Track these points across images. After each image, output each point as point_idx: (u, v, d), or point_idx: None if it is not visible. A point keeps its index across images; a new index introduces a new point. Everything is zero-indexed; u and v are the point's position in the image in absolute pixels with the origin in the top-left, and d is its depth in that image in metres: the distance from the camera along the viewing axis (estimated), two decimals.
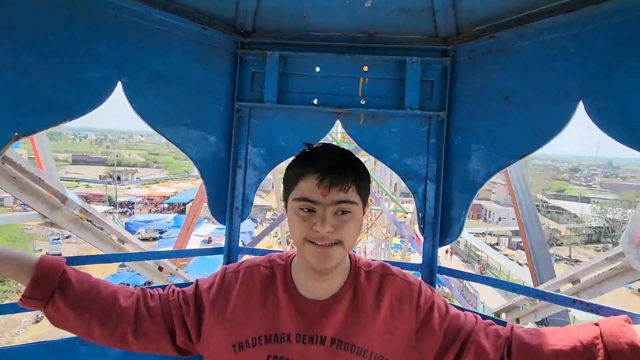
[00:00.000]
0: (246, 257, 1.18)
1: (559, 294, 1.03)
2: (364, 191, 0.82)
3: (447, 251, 26.77)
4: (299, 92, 1.39)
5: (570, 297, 1.02)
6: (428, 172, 1.34)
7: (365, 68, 1.37)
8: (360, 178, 0.80)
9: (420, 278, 1.29)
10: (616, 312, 0.89)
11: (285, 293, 0.87)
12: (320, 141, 1.25)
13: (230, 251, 1.36)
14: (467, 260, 28.76)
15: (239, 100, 1.39)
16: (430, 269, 1.31)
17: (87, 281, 0.87)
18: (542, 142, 1.10)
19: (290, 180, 0.83)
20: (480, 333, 0.84)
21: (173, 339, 0.88)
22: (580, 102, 1.02)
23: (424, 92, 1.34)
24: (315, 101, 1.37)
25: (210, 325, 0.87)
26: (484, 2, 1.16)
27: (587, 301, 0.98)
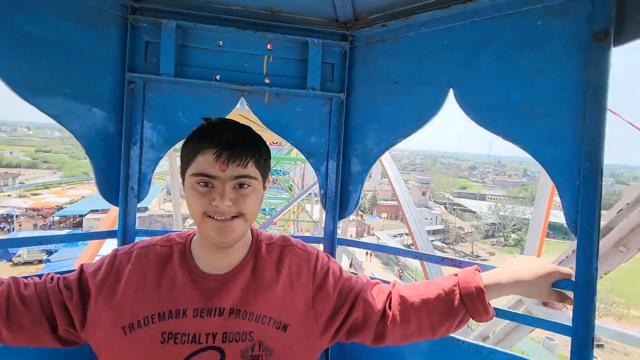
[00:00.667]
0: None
1: (432, 254, 1.22)
2: (263, 166, 0.84)
3: (367, 253, 28.19)
4: (200, 67, 1.33)
5: (440, 255, 1.21)
6: (330, 150, 1.42)
7: (270, 46, 1.37)
8: (259, 153, 0.82)
9: (322, 249, 1.39)
10: (472, 264, 1.08)
11: (183, 270, 0.86)
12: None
13: (126, 233, 1.27)
14: (387, 263, 31.00)
15: (131, 71, 1.28)
16: (331, 240, 1.41)
17: None
18: (422, 123, 1.25)
19: (187, 156, 0.81)
20: (368, 291, 0.95)
21: (54, 329, 0.81)
22: (451, 89, 1.19)
23: (325, 73, 1.40)
24: (217, 77, 1.34)
25: (97, 309, 0.82)
26: None
27: (452, 258, 1.17)
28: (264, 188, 0.89)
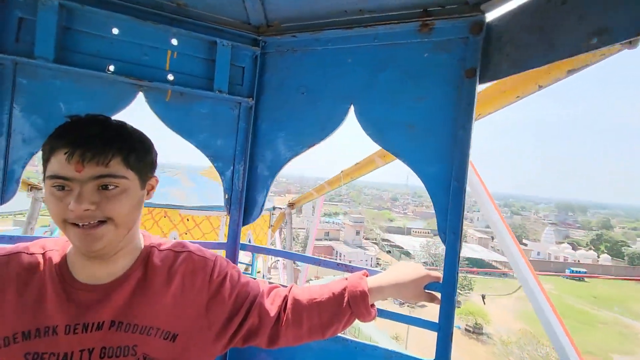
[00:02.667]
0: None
1: (327, 259, 1.30)
2: (136, 164, 0.77)
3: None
4: (90, 54, 1.19)
5: (335, 261, 1.29)
6: (236, 155, 1.40)
7: (175, 41, 1.29)
8: (128, 149, 0.75)
9: (225, 254, 1.36)
10: (362, 269, 1.17)
11: (54, 282, 0.77)
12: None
13: None
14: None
15: None
16: (233, 246, 1.39)
17: None
18: (324, 135, 1.31)
19: (43, 157, 0.73)
20: (265, 296, 0.96)
21: None
22: (352, 105, 1.27)
23: (234, 76, 1.38)
24: (111, 68, 1.21)
25: None
26: (286, 1, 1.26)
27: (345, 263, 1.26)
28: (147, 188, 0.83)
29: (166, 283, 0.85)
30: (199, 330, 0.87)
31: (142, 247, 0.87)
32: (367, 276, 1.06)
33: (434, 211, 1.13)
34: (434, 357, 1.10)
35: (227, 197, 1.40)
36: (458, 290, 1.10)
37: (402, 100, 1.19)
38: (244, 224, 1.40)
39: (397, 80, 1.20)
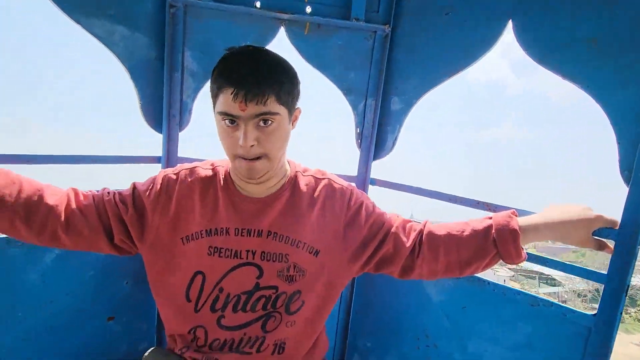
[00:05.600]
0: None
1: (464, 197, 1.20)
2: (287, 99, 0.81)
3: None
4: None
5: (474, 199, 1.20)
6: (369, 88, 1.37)
7: None
8: (280, 85, 0.78)
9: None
10: (508, 209, 1.07)
11: (225, 192, 0.92)
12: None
13: (169, 160, 1.34)
14: None
15: None
16: (363, 180, 1.42)
17: (5, 176, 0.81)
18: (470, 61, 1.17)
19: (212, 92, 0.82)
20: (400, 228, 0.97)
21: (110, 238, 0.90)
22: (510, 21, 1.08)
23: (371, 3, 1.31)
24: (257, 4, 1.28)
25: (155, 223, 0.91)
26: None
27: (487, 202, 1.16)
28: (293, 120, 0.88)
29: (310, 205, 0.94)
30: (336, 250, 0.94)
31: (289, 171, 0.96)
32: (515, 216, 0.96)
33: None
34: (594, 313, 0.96)
35: (358, 131, 1.41)
36: None
37: (579, 9, 0.96)
38: (374, 159, 1.41)
39: None
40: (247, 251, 0.90)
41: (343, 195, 0.96)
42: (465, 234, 0.94)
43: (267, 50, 0.83)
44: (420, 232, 0.97)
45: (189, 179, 0.93)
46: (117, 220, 0.89)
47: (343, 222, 0.95)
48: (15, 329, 1.09)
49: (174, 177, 0.94)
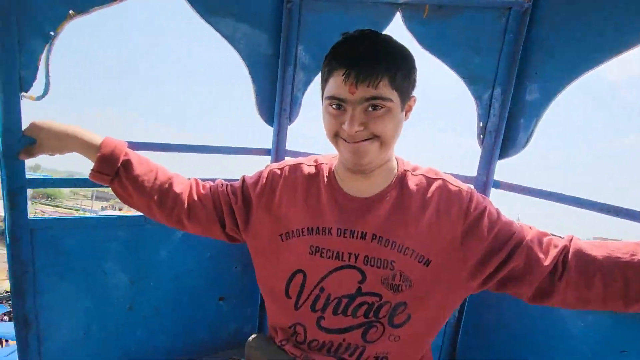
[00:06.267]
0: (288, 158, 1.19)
1: (630, 208, 0.92)
2: (401, 84, 0.72)
3: None
4: None
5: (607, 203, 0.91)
6: (498, 74, 1.17)
7: None
8: (395, 69, 0.70)
9: None
10: None
11: (328, 190, 0.87)
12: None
13: (278, 152, 1.38)
14: None
15: None
16: (484, 182, 1.22)
17: (147, 163, 0.95)
18: (624, 48, 0.91)
19: (322, 77, 0.78)
20: (535, 241, 0.79)
21: (223, 226, 0.97)
22: None
23: None
24: None
25: (258, 217, 0.92)
26: None
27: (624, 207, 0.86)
28: (407, 110, 0.79)
29: (421, 208, 0.82)
30: (452, 262, 0.81)
31: (397, 169, 0.86)
32: None
33: None
34: None
35: (481, 125, 1.21)
36: None
37: None
38: (500, 158, 1.20)
39: None
40: (350, 254, 0.83)
41: (461, 199, 0.82)
42: (637, 258, 0.71)
43: (384, 34, 0.76)
44: (565, 249, 0.77)
45: (293, 175, 0.92)
46: (229, 209, 0.95)
47: (461, 230, 0.80)
48: (148, 297, 1.25)
49: (279, 172, 0.93)
